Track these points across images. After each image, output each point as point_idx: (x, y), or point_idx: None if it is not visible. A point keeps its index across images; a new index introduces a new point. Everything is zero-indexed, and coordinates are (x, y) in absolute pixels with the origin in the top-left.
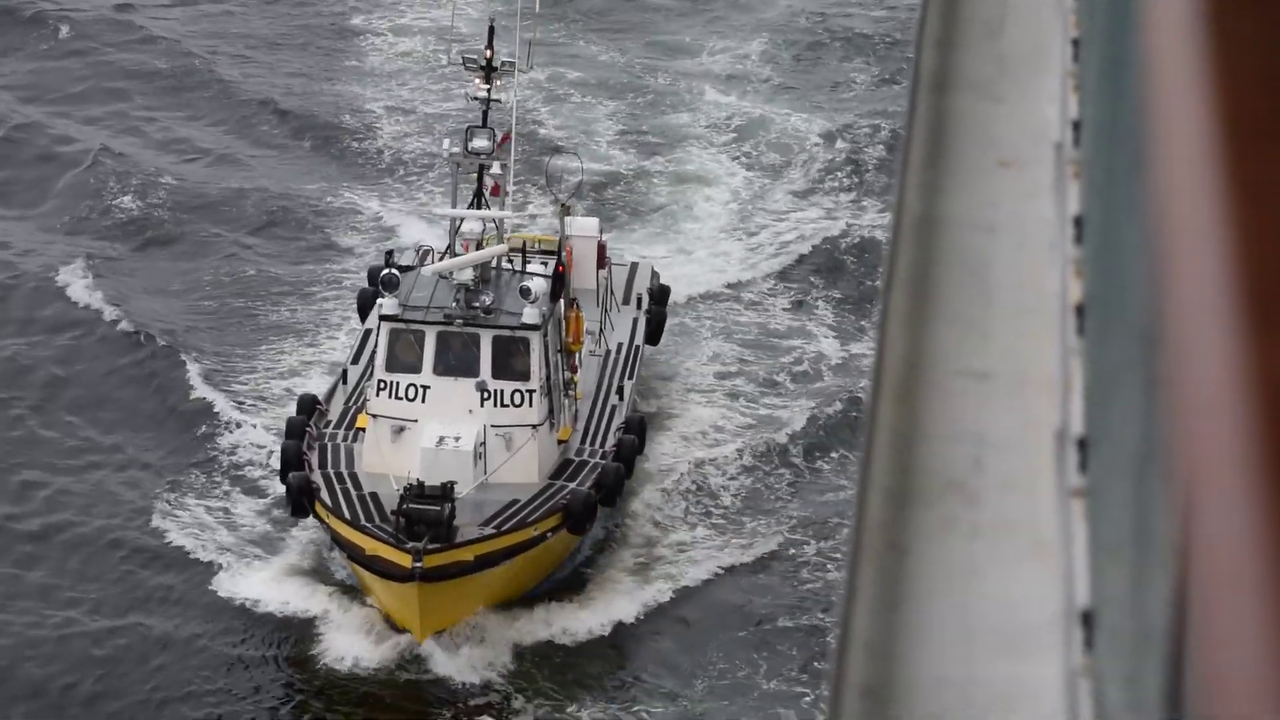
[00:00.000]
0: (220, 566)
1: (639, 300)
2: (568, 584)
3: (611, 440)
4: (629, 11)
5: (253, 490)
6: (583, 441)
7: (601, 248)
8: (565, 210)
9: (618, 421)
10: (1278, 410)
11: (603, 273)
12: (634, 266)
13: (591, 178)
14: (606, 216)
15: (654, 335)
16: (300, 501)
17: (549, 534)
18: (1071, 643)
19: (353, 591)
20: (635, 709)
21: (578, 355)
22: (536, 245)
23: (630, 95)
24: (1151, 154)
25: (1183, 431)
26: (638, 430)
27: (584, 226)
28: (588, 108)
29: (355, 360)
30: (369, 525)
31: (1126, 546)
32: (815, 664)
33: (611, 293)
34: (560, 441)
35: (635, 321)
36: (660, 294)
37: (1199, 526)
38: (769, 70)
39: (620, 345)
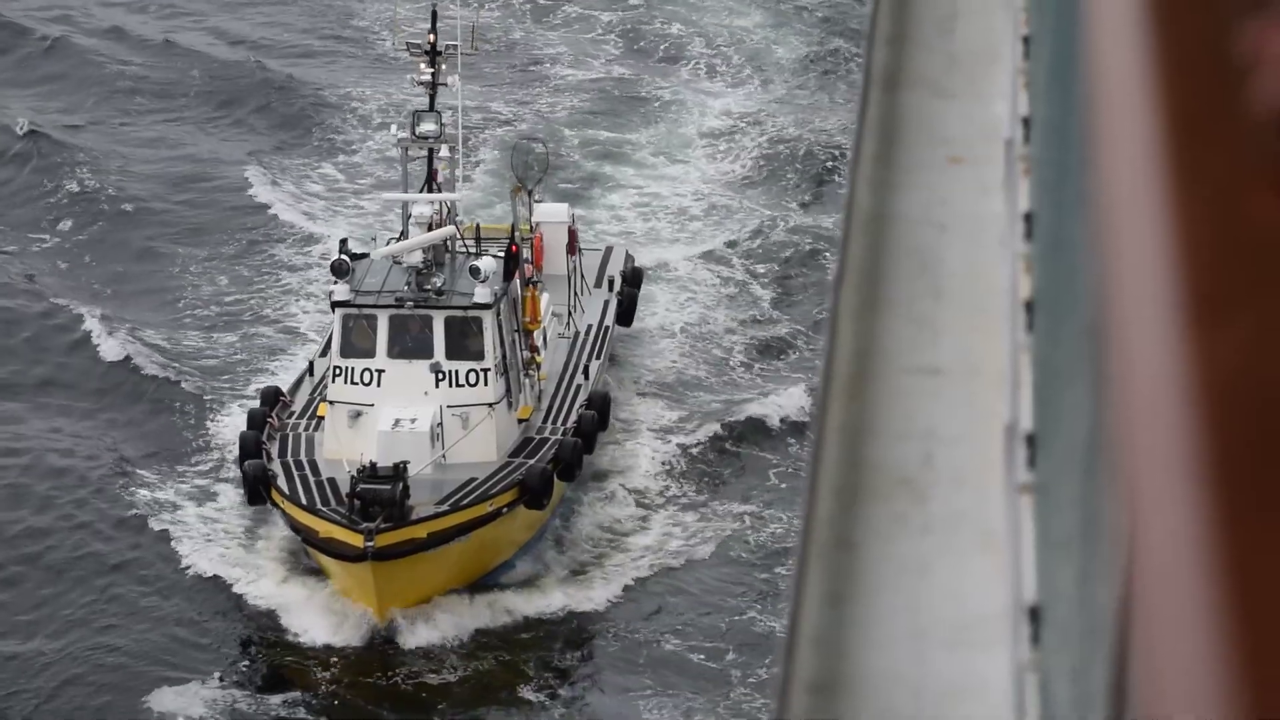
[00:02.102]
0: (184, 553)
1: (611, 283)
2: (523, 566)
3: (574, 417)
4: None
5: (220, 480)
6: (546, 420)
7: (572, 233)
8: (519, 190)
9: (581, 400)
10: (1219, 405)
11: (573, 258)
12: (608, 250)
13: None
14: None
15: (625, 317)
16: (256, 489)
17: (504, 509)
18: (1019, 638)
19: (315, 575)
20: (585, 695)
21: (541, 335)
22: (477, 230)
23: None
24: (1094, 149)
25: (1126, 427)
26: (600, 406)
27: (554, 212)
28: (543, 86)
29: (324, 353)
30: (322, 509)
31: (1073, 542)
32: (764, 659)
33: (582, 276)
34: (521, 420)
35: (606, 304)
36: (634, 277)
37: (1142, 522)
38: (721, 65)
39: (590, 327)
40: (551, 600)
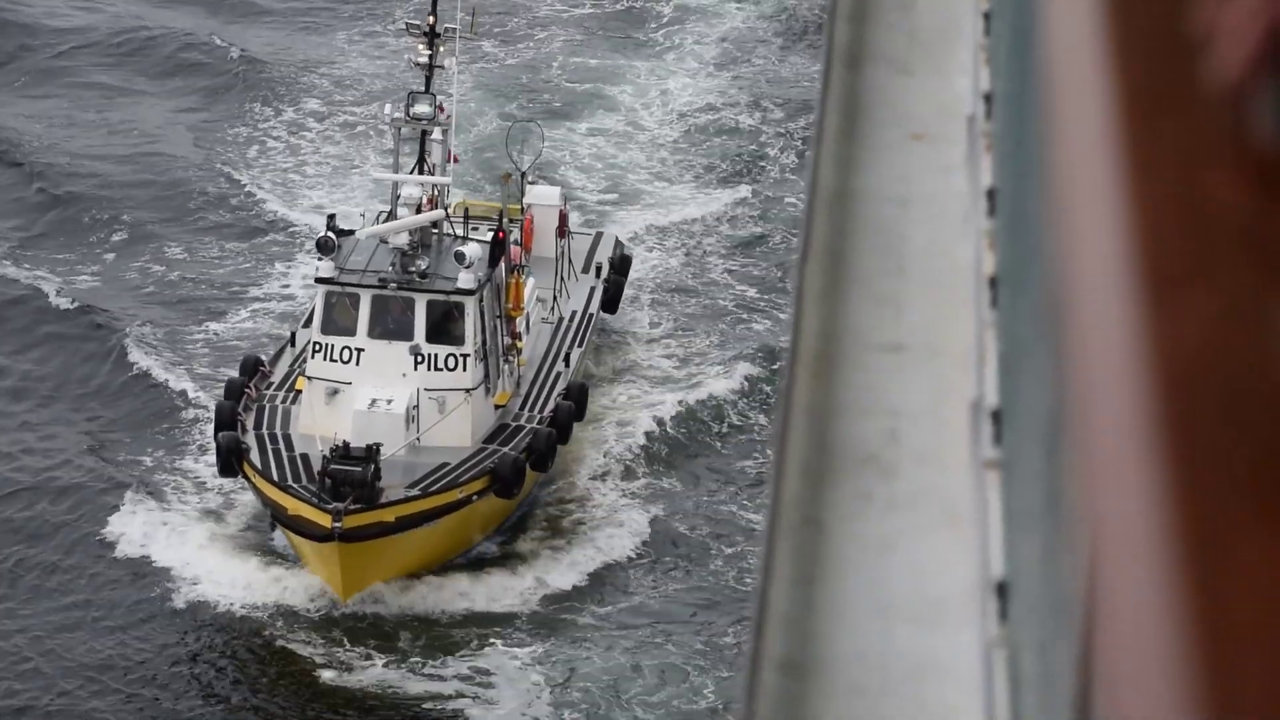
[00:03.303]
0: (152, 530)
1: (598, 269)
2: (494, 549)
3: (551, 406)
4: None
5: (197, 452)
6: (523, 407)
7: (563, 217)
8: (508, 177)
9: (560, 388)
10: (1175, 381)
11: (563, 241)
12: (598, 236)
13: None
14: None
15: (611, 303)
16: (229, 461)
17: (475, 497)
18: (987, 614)
19: (287, 556)
20: (555, 679)
21: (524, 321)
22: (465, 212)
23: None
24: (1051, 126)
25: (1084, 403)
26: (577, 397)
27: (545, 195)
28: (518, 77)
29: (307, 324)
30: (293, 486)
31: (1038, 517)
32: (733, 638)
33: (570, 261)
34: (499, 406)
35: (592, 290)
36: (621, 263)
37: (1101, 497)
38: (690, 46)
39: (574, 313)
40: (519, 580)
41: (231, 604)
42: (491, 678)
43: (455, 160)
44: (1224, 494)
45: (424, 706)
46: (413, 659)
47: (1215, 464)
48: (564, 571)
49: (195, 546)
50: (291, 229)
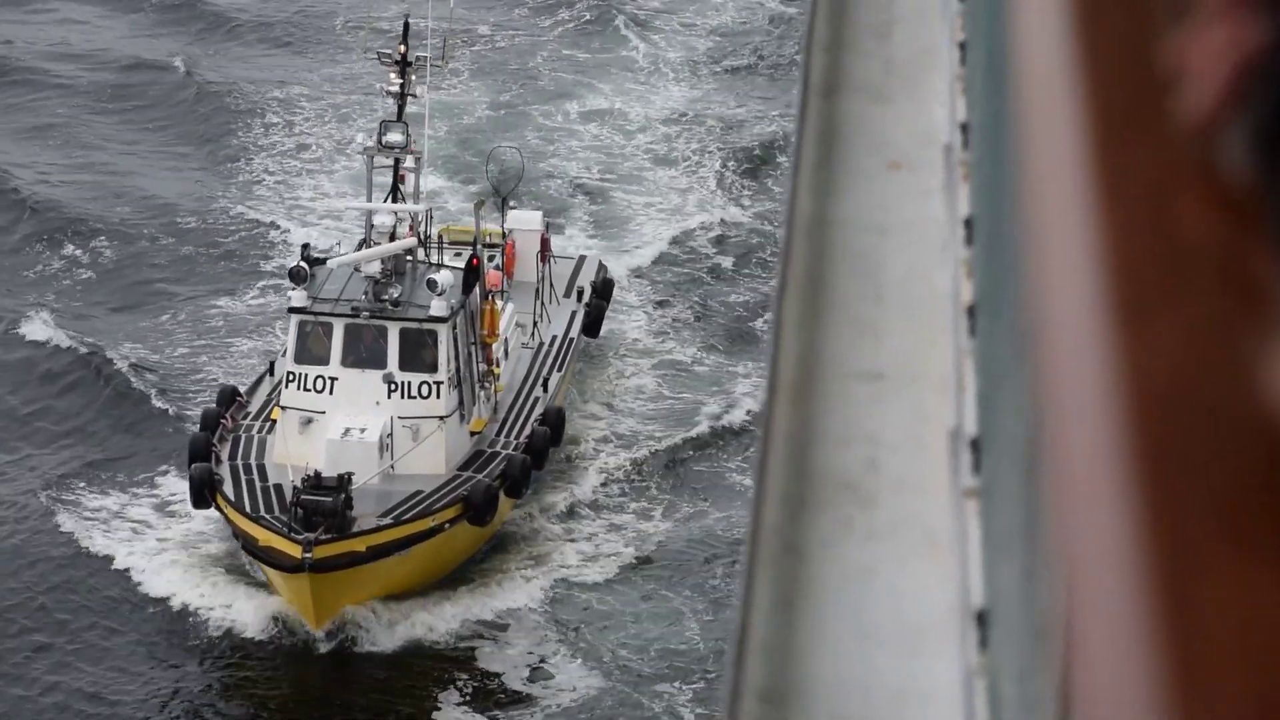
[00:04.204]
0: (131, 556)
1: (580, 293)
2: (466, 574)
3: (527, 432)
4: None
5: (172, 481)
6: (500, 433)
7: (544, 241)
8: (481, 204)
9: (537, 413)
10: (1146, 408)
11: (544, 266)
12: (581, 259)
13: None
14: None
15: (593, 327)
16: (201, 493)
17: (447, 525)
18: (967, 641)
19: (255, 581)
20: (531, 702)
21: (501, 347)
22: (440, 238)
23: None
24: (1024, 155)
25: (1056, 430)
26: (553, 422)
27: (527, 220)
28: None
29: (286, 354)
30: (264, 517)
31: (1017, 544)
32: (713, 666)
33: (551, 285)
34: (474, 432)
35: (573, 315)
36: (604, 288)
37: (1073, 524)
38: (667, 72)
39: (555, 338)
40: (494, 602)
41: (210, 629)
42: (462, 696)
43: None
44: (1197, 519)
45: None
46: (384, 686)
47: (1187, 490)
48: (529, 596)
49: (173, 574)
50: (271, 258)
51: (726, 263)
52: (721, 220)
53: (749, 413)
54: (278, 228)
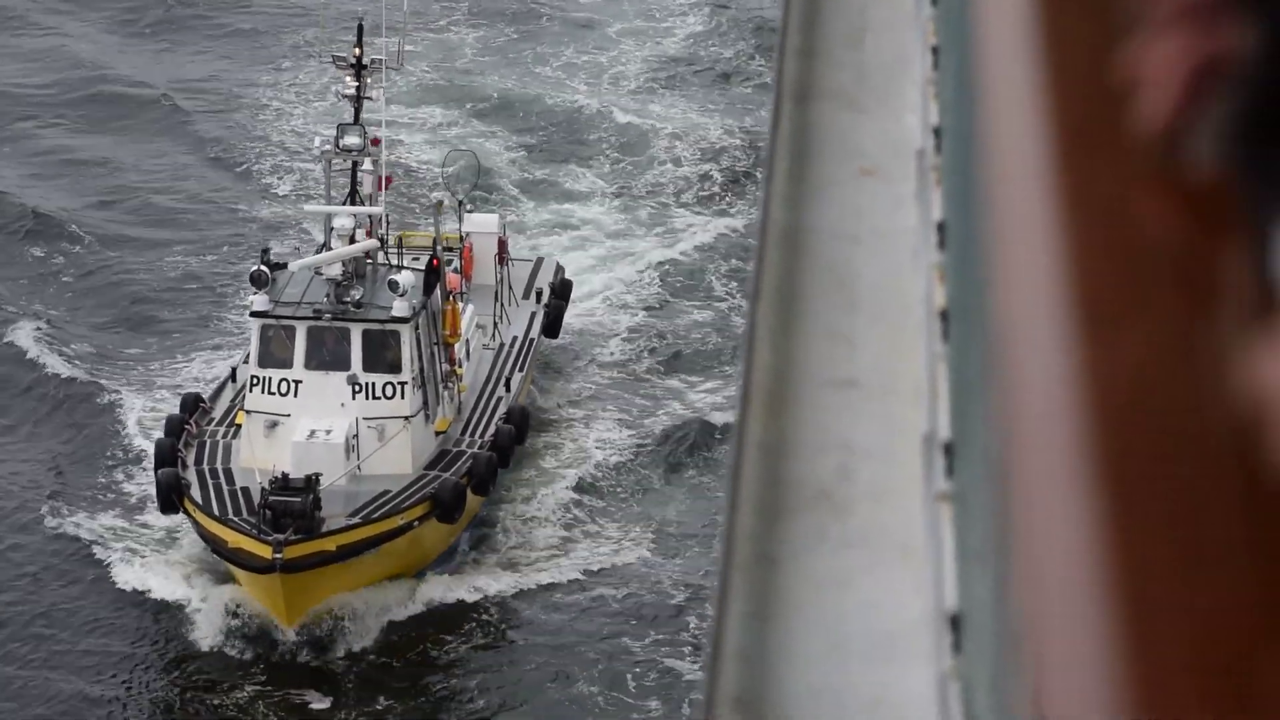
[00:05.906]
0: (106, 559)
1: (539, 294)
2: (436, 573)
3: (492, 430)
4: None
5: (139, 487)
6: (464, 432)
7: (502, 243)
8: (440, 206)
9: (501, 412)
10: (1108, 411)
11: (502, 268)
12: (539, 261)
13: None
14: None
15: (552, 328)
16: (169, 498)
17: (415, 523)
18: (941, 648)
19: (226, 579)
20: (502, 706)
21: (464, 348)
22: (400, 241)
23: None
24: (990, 162)
25: (1020, 434)
26: (518, 421)
27: (484, 223)
28: (464, 107)
29: (248, 360)
30: (232, 519)
31: (990, 551)
32: (688, 675)
33: (510, 287)
34: (440, 432)
35: (533, 315)
36: (562, 288)
37: (1038, 528)
38: (639, 80)
39: (515, 339)
40: (461, 600)
41: (179, 630)
42: (429, 697)
43: (389, 183)
44: (1157, 525)
45: None
46: (358, 681)
47: (1147, 495)
48: (508, 599)
49: (145, 576)
50: (237, 265)
51: (698, 271)
52: (689, 225)
53: (722, 422)
54: (244, 232)
